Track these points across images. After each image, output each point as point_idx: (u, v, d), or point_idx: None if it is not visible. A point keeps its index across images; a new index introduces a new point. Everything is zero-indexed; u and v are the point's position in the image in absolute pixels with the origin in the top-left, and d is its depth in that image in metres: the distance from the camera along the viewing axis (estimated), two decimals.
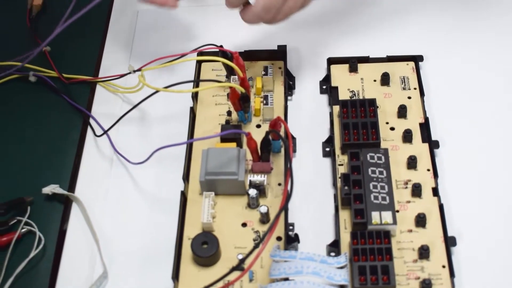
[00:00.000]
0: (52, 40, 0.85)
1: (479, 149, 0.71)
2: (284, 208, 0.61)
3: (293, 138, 0.73)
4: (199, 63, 0.79)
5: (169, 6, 0.71)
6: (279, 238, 0.65)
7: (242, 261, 0.57)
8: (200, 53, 0.76)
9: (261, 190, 0.67)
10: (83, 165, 0.73)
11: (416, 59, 0.77)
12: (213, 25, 0.72)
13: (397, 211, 0.65)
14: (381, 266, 0.61)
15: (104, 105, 0.78)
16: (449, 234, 0.64)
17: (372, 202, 0.64)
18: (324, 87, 0.77)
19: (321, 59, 0.78)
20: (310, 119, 0.75)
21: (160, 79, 0.70)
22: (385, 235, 0.62)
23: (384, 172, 0.66)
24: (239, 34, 0.75)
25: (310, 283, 0.59)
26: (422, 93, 0.74)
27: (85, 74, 0.81)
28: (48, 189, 0.71)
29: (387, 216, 0.63)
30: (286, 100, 0.74)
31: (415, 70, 0.76)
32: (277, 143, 0.70)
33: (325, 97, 0.77)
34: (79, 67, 0.82)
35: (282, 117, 0.72)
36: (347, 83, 0.76)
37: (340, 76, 0.77)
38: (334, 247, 0.64)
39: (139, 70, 0.71)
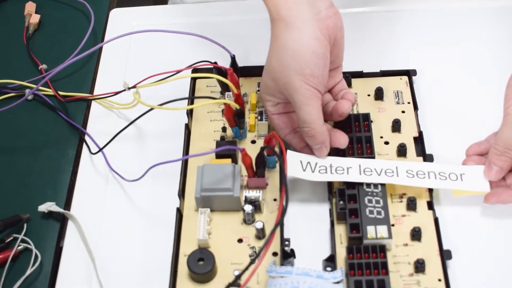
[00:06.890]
0: (48, 58, 0.86)
1: None
2: (280, 223, 0.61)
3: None
4: (193, 79, 0.79)
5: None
6: (275, 254, 0.65)
7: (238, 277, 0.57)
8: (195, 70, 0.77)
9: (257, 205, 0.67)
10: (78, 183, 0.74)
11: (410, 74, 0.77)
12: (208, 42, 0.73)
13: (393, 225, 0.65)
14: (377, 280, 0.61)
15: (100, 122, 0.79)
16: (445, 247, 0.64)
17: (367, 216, 0.64)
18: None
19: None
20: None
21: (155, 96, 0.70)
22: (381, 249, 0.62)
23: (379, 186, 0.66)
24: (233, 51, 0.75)
25: None
26: (415, 107, 0.74)
27: (81, 91, 0.82)
28: (44, 207, 0.71)
29: (382, 230, 0.63)
30: None
31: (408, 84, 0.77)
32: (272, 159, 0.70)
33: None
34: (75, 84, 0.83)
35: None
36: None
37: None
38: (330, 262, 0.64)
39: (134, 87, 0.71)
